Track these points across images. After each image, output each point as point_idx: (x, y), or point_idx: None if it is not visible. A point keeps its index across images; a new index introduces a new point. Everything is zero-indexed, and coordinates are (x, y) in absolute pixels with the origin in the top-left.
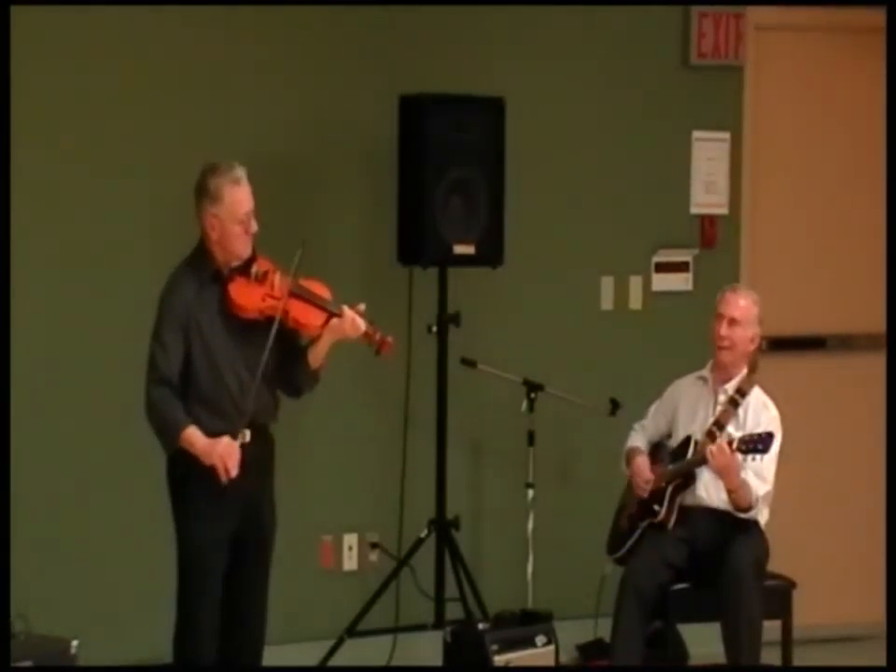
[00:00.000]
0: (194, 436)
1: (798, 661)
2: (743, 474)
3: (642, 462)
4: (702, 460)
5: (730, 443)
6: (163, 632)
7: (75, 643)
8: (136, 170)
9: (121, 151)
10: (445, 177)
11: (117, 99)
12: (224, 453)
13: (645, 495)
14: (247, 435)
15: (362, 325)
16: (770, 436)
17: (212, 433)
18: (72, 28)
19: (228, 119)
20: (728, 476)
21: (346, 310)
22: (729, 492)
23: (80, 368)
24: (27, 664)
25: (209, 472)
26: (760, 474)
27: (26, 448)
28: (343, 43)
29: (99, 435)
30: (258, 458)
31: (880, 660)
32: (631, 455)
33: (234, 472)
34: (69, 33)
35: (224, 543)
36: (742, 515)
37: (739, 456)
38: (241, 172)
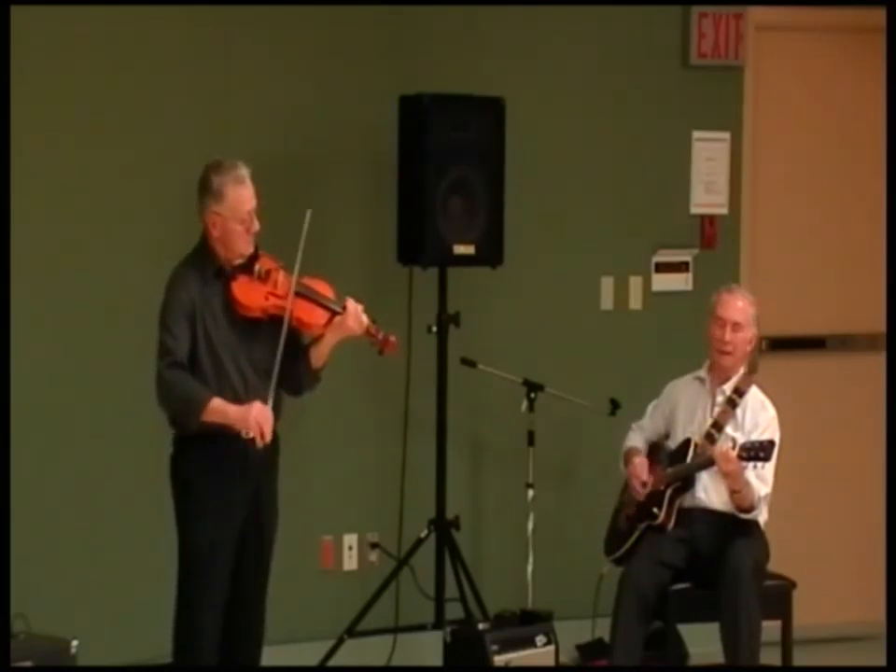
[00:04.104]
0: (223, 405)
1: (798, 661)
2: (745, 475)
3: (640, 463)
4: (705, 463)
5: (732, 448)
6: (163, 632)
7: (75, 643)
8: (137, 169)
9: (122, 150)
10: (445, 177)
11: (117, 99)
12: (260, 416)
13: (641, 497)
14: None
15: (365, 318)
16: (772, 444)
17: (216, 429)
18: (72, 27)
19: (228, 119)
20: (733, 479)
21: (350, 302)
22: (732, 493)
23: (81, 367)
24: (27, 664)
25: (214, 471)
26: (760, 476)
27: (26, 448)
28: (343, 43)
29: (100, 434)
30: (263, 456)
31: (880, 660)
32: (629, 454)
33: (269, 436)
34: (69, 32)
35: (229, 542)
36: (744, 516)
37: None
38: (244, 170)
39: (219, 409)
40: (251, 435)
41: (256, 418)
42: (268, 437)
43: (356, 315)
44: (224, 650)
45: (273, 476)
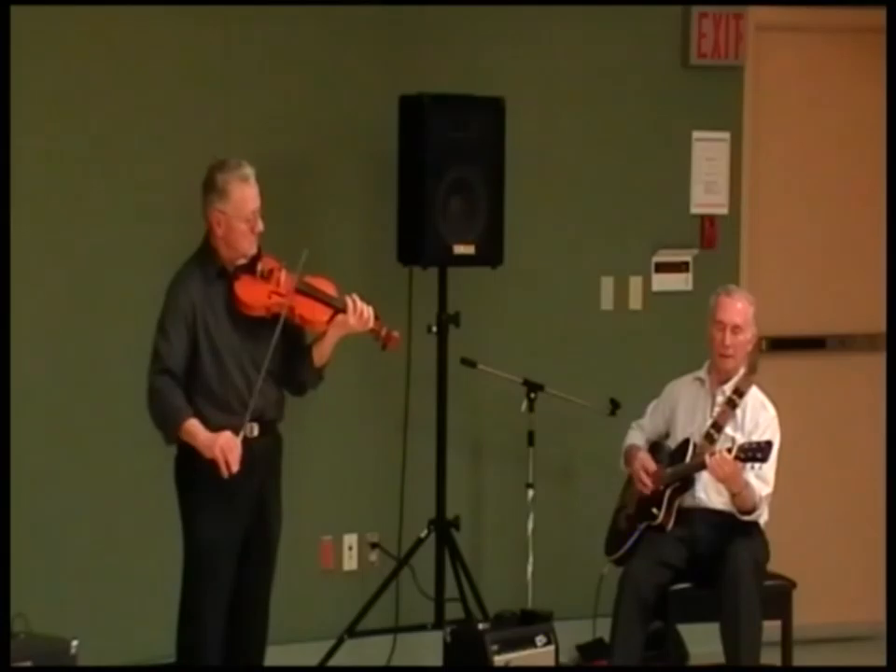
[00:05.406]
0: (195, 428)
1: (798, 661)
2: (745, 476)
3: (644, 456)
4: (700, 466)
5: (729, 450)
6: (163, 632)
7: (75, 643)
8: (136, 170)
9: (121, 152)
10: (445, 177)
11: (117, 99)
12: (225, 447)
13: (648, 491)
14: (255, 429)
15: (371, 318)
16: (769, 444)
17: (217, 428)
18: (71, 28)
19: (228, 119)
20: (732, 482)
21: (358, 301)
22: (733, 495)
23: (81, 367)
24: (27, 664)
25: (217, 472)
26: (761, 476)
27: (27, 447)
28: (343, 43)
29: (100, 434)
30: (266, 455)
31: (880, 660)
32: (630, 452)
33: (235, 467)
34: (68, 33)
35: (233, 542)
36: (745, 518)
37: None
38: (249, 170)
39: (192, 432)
40: (224, 474)
41: (221, 447)
42: (233, 467)
43: (360, 313)
44: (228, 651)
45: (277, 476)
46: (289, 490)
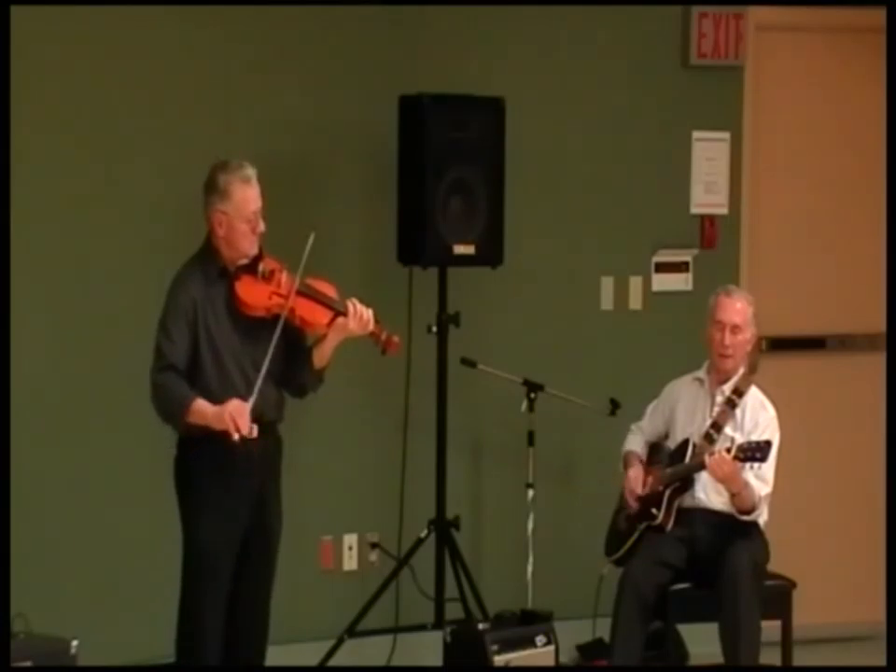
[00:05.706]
0: (202, 405)
1: (798, 661)
2: (744, 475)
3: (634, 476)
4: (699, 466)
5: (728, 450)
6: (163, 632)
7: (75, 643)
8: (135, 170)
9: (121, 151)
10: (445, 177)
11: (116, 100)
12: (234, 411)
13: (633, 511)
14: (255, 430)
15: (371, 322)
16: (768, 444)
17: (214, 431)
18: (71, 28)
19: (227, 120)
20: (731, 482)
21: (358, 305)
22: (732, 495)
23: (81, 367)
24: (27, 664)
25: (217, 472)
26: (760, 476)
27: (27, 447)
28: (343, 43)
29: (100, 434)
30: (266, 457)
31: (880, 660)
32: (627, 460)
33: (245, 430)
34: (68, 33)
35: (233, 543)
36: (745, 518)
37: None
38: (251, 171)
39: (200, 410)
40: (235, 437)
41: (230, 413)
42: (244, 430)
43: (360, 317)
44: (229, 651)
45: (276, 477)
46: (289, 490)
